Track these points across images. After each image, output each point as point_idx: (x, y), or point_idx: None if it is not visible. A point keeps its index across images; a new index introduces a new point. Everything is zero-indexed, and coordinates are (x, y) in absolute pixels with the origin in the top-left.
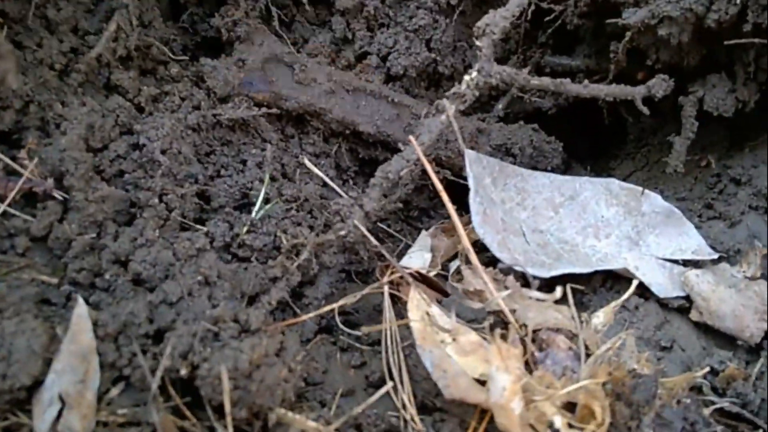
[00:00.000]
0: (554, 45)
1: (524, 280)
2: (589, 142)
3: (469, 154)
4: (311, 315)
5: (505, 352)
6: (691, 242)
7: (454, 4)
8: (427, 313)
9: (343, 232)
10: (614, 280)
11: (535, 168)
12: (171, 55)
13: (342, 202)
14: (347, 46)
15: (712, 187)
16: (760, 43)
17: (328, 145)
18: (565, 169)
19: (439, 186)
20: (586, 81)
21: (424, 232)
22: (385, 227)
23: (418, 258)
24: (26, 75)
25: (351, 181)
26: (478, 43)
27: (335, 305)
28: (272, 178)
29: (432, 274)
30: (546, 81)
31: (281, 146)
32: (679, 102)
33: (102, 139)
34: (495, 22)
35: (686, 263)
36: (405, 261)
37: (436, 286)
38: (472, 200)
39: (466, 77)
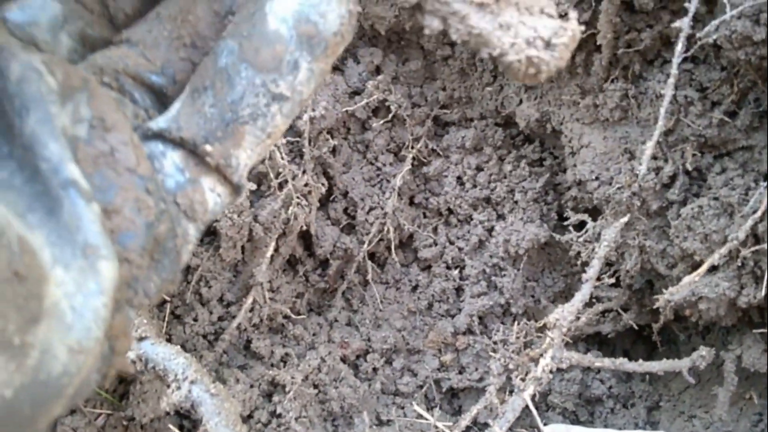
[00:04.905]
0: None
1: None
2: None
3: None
4: None
5: None
6: None
7: (521, 253)
8: None
9: None
10: None
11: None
12: (293, 315)
13: None
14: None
15: (754, 426)
16: None
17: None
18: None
19: None
20: (640, 360)
21: None
22: None
23: None
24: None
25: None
26: (549, 334)
27: None
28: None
29: None
30: (607, 362)
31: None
32: (720, 356)
33: (249, 407)
34: (563, 316)
35: None
36: None
37: None
38: None
39: (542, 361)
